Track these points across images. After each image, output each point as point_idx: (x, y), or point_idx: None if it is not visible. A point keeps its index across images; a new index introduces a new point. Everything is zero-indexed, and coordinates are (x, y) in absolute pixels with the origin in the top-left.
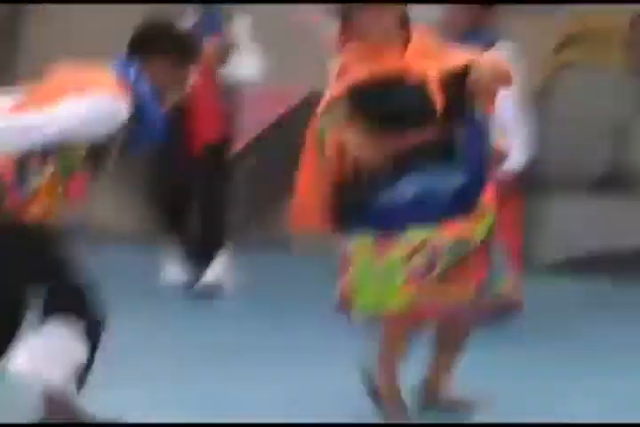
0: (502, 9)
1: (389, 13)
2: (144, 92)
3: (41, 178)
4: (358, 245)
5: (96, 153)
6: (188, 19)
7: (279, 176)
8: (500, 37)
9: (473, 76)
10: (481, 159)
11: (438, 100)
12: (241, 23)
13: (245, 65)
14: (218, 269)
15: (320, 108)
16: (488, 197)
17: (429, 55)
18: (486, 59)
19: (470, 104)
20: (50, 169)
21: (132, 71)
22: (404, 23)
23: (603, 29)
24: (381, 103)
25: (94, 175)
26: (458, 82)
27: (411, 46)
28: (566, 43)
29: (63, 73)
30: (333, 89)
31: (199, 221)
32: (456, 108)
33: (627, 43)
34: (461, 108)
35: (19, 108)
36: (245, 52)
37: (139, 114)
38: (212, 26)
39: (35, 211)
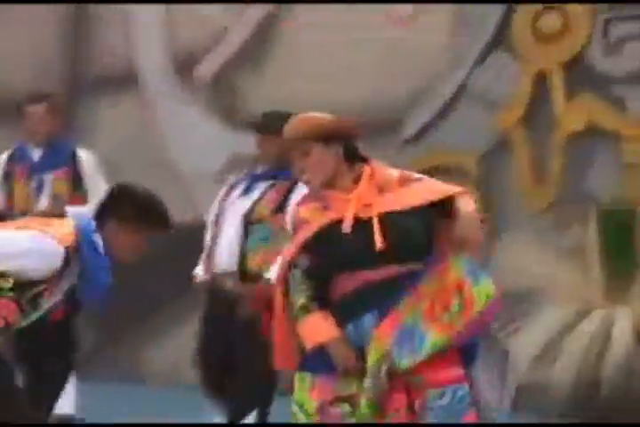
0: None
1: (322, 151)
2: (96, 248)
3: None
4: (297, 383)
5: (25, 287)
6: (35, 152)
7: (131, 306)
8: None
9: (459, 230)
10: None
11: (380, 239)
12: (88, 157)
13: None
14: (68, 400)
15: (279, 269)
16: (386, 329)
17: (386, 189)
18: (464, 205)
19: (444, 247)
20: None
21: (92, 226)
22: (350, 156)
23: (454, 164)
24: (329, 250)
25: (21, 308)
26: (425, 217)
27: (364, 181)
28: None
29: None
30: (288, 249)
31: (47, 353)
32: (417, 245)
33: (475, 178)
34: (425, 246)
35: None
36: (94, 186)
37: (85, 266)
38: (59, 160)
39: None
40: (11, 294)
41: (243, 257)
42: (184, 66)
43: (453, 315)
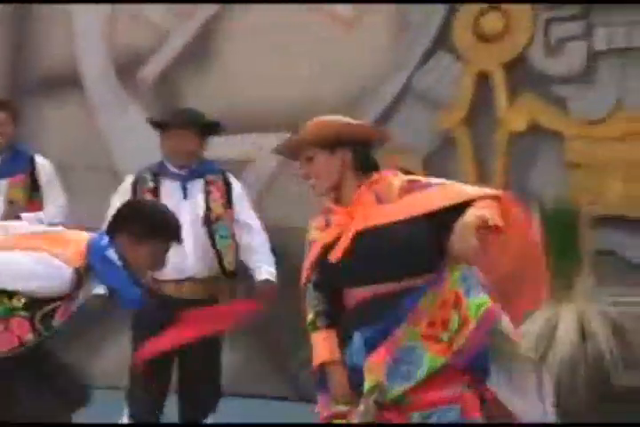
0: None
1: (327, 158)
2: (111, 263)
3: None
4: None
5: (38, 305)
6: None
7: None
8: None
9: (453, 241)
10: (397, 316)
11: (336, 259)
12: (45, 163)
13: (50, 209)
14: None
15: (303, 289)
16: (379, 358)
17: (385, 199)
18: (469, 213)
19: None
20: None
21: (103, 242)
22: (360, 163)
23: (400, 165)
24: (327, 269)
25: (34, 328)
26: (427, 227)
27: (359, 194)
28: None
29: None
30: (305, 270)
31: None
32: (410, 259)
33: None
34: (426, 258)
35: None
36: (50, 192)
37: (105, 283)
38: (16, 166)
39: None
40: (24, 312)
41: (219, 256)
42: (126, 68)
43: (453, 333)
